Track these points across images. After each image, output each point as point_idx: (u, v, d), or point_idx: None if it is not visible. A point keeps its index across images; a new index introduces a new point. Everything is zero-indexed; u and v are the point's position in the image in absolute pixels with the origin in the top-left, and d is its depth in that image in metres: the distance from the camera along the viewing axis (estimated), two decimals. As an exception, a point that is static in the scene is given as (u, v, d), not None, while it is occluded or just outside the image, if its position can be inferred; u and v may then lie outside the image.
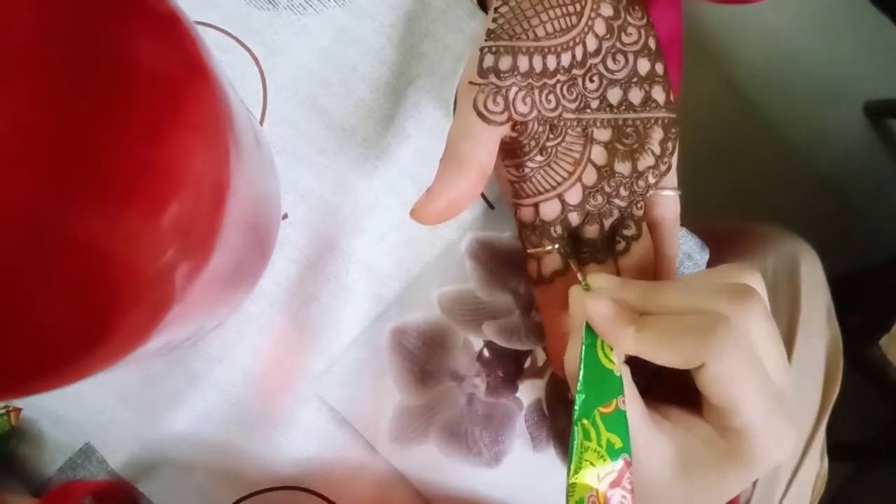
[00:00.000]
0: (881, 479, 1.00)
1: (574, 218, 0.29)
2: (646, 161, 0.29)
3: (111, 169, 0.17)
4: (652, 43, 0.29)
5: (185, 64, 0.18)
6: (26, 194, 0.17)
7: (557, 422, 0.33)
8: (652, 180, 0.29)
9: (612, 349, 0.24)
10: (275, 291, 0.32)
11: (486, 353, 0.33)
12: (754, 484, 0.47)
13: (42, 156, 0.17)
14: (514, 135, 0.27)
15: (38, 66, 0.17)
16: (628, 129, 0.29)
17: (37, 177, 0.17)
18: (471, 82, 0.26)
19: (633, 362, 0.25)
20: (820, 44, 1.05)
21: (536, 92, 0.27)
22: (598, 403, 0.23)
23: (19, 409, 0.31)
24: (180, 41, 0.18)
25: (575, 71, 0.28)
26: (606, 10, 0.28)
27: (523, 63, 0.26)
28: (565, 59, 0.27)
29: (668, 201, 0.30)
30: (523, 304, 0.33)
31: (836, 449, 0.52)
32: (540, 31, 0.26)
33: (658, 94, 0.29)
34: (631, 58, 0.29)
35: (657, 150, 0.29)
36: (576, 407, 0.23)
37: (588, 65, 0.28)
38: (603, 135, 0.29)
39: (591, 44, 0.28)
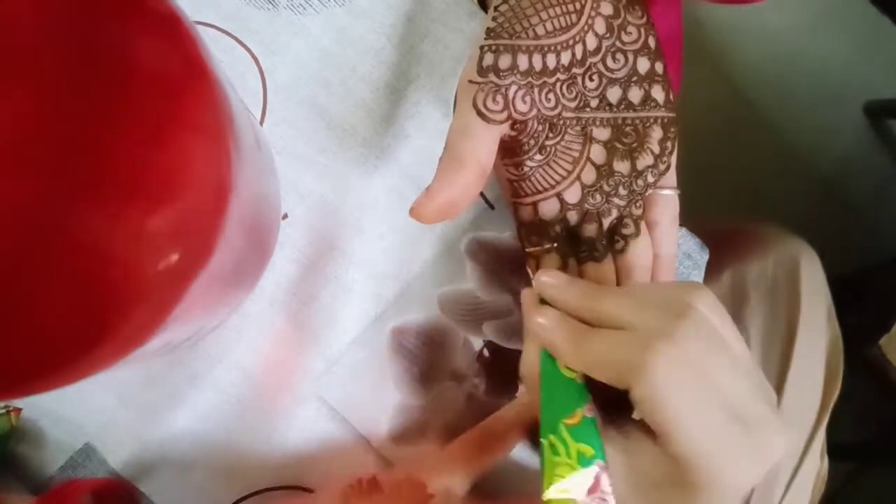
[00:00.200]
0: (881, 479, 1.00)
1: (573, 217, 0.29)
2: (645, 160, 0.29)
3: (111, 169, 0.17)
4: (652, 42, 0.29)
5: (185, 64, 0.18)
6: (27, 194, 0.17)
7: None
8: (651, 179, 0.29)
9: None
10: (275, 291, 0.32)
11: (486, 353, 0.33)
12: (754, 484, 0.47)
13: (42, 156, 0.17)
14: (514, 133, 0.27)
15: (38, 66, 0.17)
16: (627, 129, 0.29)
17: (37, 177, 0.17)
18: (470, 81, 0.26)
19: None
20: (820, 44, 1.05)
21: (536, 90, 0.27)
22: (562, 415, 0.23)
23: (19, 409, 0.31)
24: (180, 41, 0.18)
25: (574, 70, 0.28)
26: (606, 9, 0.28)
27: (523, 62, 0.26)
28: (565, 57, 0.27)
29: (667, 201, 0.30)
30: (523, 303, 0.33)
31: (836, 449, 0.52)
32: (539, 30, 0.26)
33: (657, 93, 0.29)
34: (630, 57, 0.29)
35: (656, 150, 0.29)
36: (541, 424, 0.23)
37: (588, 63, 0.28)
38: (602, 134, 0.29)
39: (591, 42, 0.28)
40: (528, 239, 0.29)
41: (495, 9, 0.27)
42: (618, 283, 0.29)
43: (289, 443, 0.32)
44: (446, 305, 0.33)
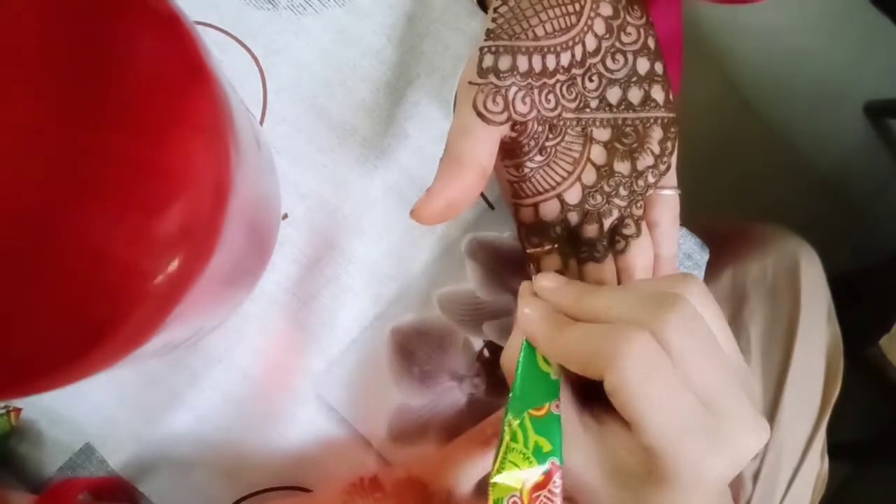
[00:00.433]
0: (881, 479, 1.00)
1: (573, 217, 0.29)
2: (645, 160, 0.29)
3: (111, 169, 0.17)
4: (651, 42, 0.29)
5: (185, 64, 0.18)
6: (26, 194, 0.17)
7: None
8: (651, 180, 0.29)
9: None
10: (275, 291, 0.32)
11: (486, 353, 0.33)
12: (754, 483, 0.47)
13: (42, 156, 0.17)
14: (514, 135, 0.27)
15: (38, 67, 0.17)
16: (627, 129, 0.29)
17: (37, 177, 0.17)
18: (470, 82, 0.26)
19: None
20: (820, 44, 1.05)
21: (536, 92, 0.27)
22: (531, 405, 0.23)
23: (19, 409, 0.31)
24: (180, 41, 0.18)
25: (574, 70, 0.28)
26: (606, 10, 0.28)
27: (523, 63, 0.26)
28: (564, 58, 0.27)
29: (667, 201, 0.30)
30: (523, 303, 0.33)
31: (836, 449, 0.52)
32: (539, 31, 0.26)
33: (657, 93, 0.29)
34: (630, 57, 0.29)
35: (656, 150, 0.29)
36: (507, 405, 0.23)
37: (587, 64, 0.28)
38: (602, 134, 0.29)
39: (591, 43, 0.28)
40: (528, 240, 0.29)
41: (495, 10, 0.27)
42: (619, 284, 0.29)
43: (289, 443, 0.32)
44: (446, 305, 0.33)
